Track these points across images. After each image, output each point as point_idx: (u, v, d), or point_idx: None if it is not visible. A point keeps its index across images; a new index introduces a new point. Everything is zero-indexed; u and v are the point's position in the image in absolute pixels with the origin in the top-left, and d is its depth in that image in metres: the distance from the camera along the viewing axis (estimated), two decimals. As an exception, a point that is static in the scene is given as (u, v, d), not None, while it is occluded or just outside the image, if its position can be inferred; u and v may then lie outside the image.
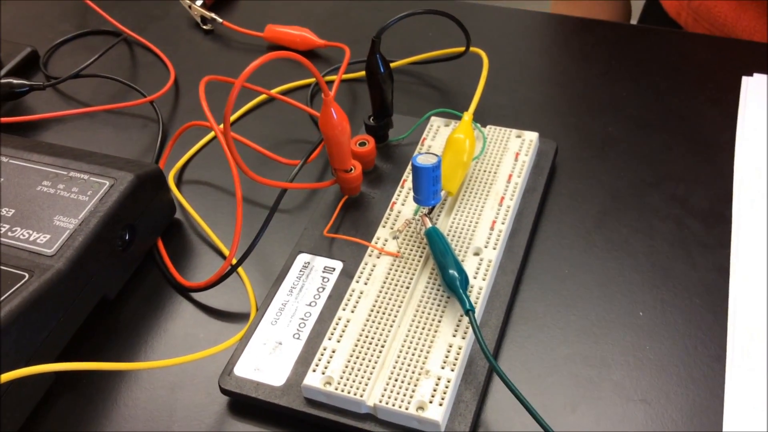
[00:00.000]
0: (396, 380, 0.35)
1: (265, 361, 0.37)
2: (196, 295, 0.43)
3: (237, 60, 0.59)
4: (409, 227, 0.41)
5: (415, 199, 0.40)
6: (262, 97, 0.54)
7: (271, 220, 0.43)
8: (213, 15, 0.60)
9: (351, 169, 0.43)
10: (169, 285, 0.43)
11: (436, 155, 0.39)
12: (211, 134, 0.52)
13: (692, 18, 0.67)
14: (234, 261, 0.41)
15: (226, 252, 0.44)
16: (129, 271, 0.43)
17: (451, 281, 0.37)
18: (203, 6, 0.61)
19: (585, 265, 0.42)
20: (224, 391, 0.36)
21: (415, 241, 0.41)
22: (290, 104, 0.53)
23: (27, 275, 0.36)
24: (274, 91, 0.53)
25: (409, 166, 0.45)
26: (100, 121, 0.55)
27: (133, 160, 0.43)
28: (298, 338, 0.38)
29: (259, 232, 0.42)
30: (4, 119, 0.52)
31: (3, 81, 0.54)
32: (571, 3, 0.77)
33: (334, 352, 0.36)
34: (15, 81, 0.54)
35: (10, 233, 0.38)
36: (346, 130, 0.41)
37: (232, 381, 0.36)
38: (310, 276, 0.41)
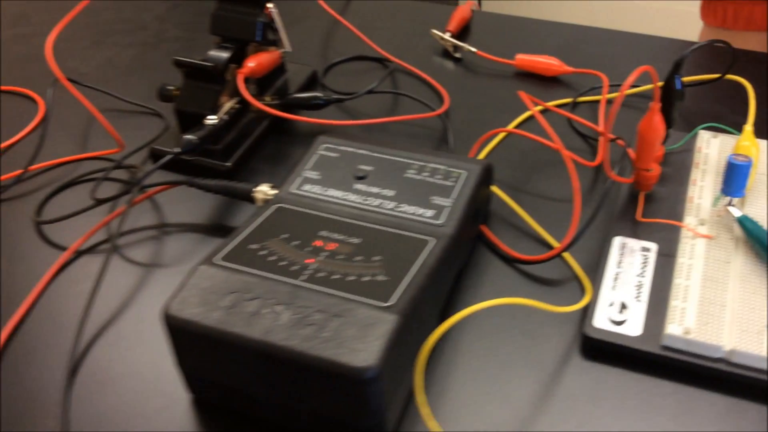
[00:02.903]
0: (744, 330, 0.42)
1: (617, 318, 0.44)
2: (524, 267, 0.50)
3: (487, 83, 0.68)
4: (719, 216, 0.49)
5: (724, 191, 0.47)
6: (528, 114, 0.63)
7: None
8: (467, 45, 0.69)
9: (651, 170, 0.51)
10: (497, 258, 0.51)
11: (747, 157, 0.47)
12: (500, 136, 0.60)
13: None
14: (554, 244, 0.48)
15: (545, 235, 0.52)
16: (473, 246, 0.51)
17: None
18: (453, 37, 0.70)
19: None
20: (588, 339, 0.44)
21: (722, 227, 0.48)
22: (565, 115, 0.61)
23: (430, 239, 0.44)
24: (537, 109, 0.62)
25: (694, 169, 0.53)
26: (391, 131, 0.63)
27: (466, 157, 0.52)
28: (639, 300, 0.45)
29: (589, 221, 0.49)
30: (339, 122, 0.60)
31: (309, 94, 0.63)
32: None
33: (683, 309, 0.43)
34: (319, 94, 0.63)
35: (398, 209, 0.47)
36: (660, 136, 0.49)
37: (596, 331, 0.44)
38: (629, 254, 0.48)
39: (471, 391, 0.42)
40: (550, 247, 0.51)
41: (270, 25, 0.62)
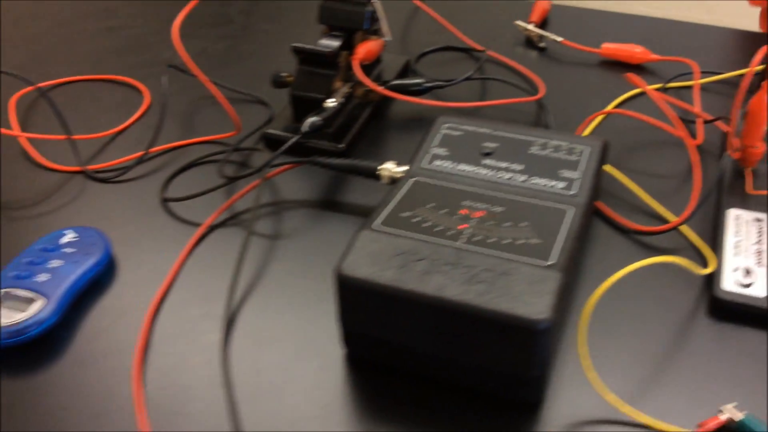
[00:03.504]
0: None
1: (744, 281, 0.47)
2: (641, 239, 0.52)
3: (574, 71, 0.71)
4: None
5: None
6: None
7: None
8: (552, 35, 0.72)
9: (757, 147, 0.54)
10: (613, 231, 0.53)
11: None
12: (598, 119, 0.63)
13: None
14: (669, 217, 0.51)
15: (659, 209, 0.54)
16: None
17: None
18: (536, 27, 0.73)
19: None
20: (718, 301, 0.46)
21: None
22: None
23: (568, 208, 0.46)
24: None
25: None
26: (486, 116, 0.66)
27: (581, 136, 0.54)
28: (761, 265, 0.48)
29: (708, 194, 0.51)
30: (450, 104, 0.63)
31: (414, 81, 0.65)
32: None
33: (810, 272, 0.46)
34: (422, 80, 0.65)
35: (530, 181, 0.49)
36: (769, 113, 0.52)
37: (726, 293, 0.46)
38: (744, 225, 0.51)
39: (607, 347, 0.45)
40: (662, 220, 0.54)
41: (373, 15, 0.64)
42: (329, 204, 0.57)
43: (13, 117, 0.66)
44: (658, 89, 0.67)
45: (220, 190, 0.58)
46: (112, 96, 0.70)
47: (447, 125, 0.54)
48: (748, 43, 0.75)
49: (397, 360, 0.44)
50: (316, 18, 0.63)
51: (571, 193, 0.48)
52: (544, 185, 0.49)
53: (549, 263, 0.41)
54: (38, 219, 0.56)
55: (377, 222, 0.44)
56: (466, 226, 0.44)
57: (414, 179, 0.49)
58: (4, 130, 0.62)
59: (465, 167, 0.50)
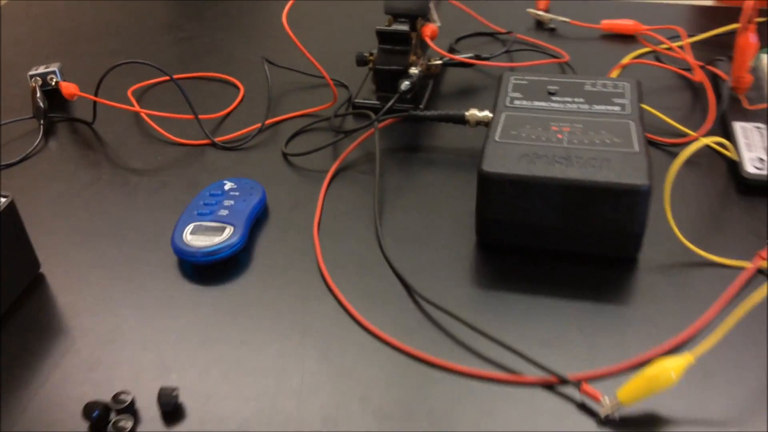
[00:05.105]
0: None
1: (759, 165, 0.62)
2: (669, 149, 0.67)
3: (582, 44, 0.86)
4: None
5: (808, 81, 0.66)
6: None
7: None
8: (562, 18, 0.87)
9: (745, 76, 0.69)
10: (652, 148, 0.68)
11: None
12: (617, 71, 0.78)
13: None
14: (690, 133, 0.66)
15: (681, 128, 0.69)
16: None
17: None
18: (546, 12, 0.88)
19: None
20: (744, 179, 0.61)
21: (808, 106, 0.67)
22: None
23: (629, 122, 0.61)
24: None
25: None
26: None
27: (618, 78, 0.69)
28: (768, 155, 0.63)
29: (720, 113, 0.66)
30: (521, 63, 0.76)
31: (471, 54, 0.79)
32: None
33: (805, 153, 0.61)
34: (468, 55, 0.79)
35: (593, 108, 0.63)
36: (754, 48, 0.68)
37: (749, 174, 0.61)
38: (748, 132, 0.66)
39: (676, 215, 0.59)
40: (683, 135, 0.69)
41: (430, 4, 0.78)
42: (426, 148, 0.70)
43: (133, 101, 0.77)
44: (650, 53, 0.83)
45: (329, 148, 0.70)
46: (210, 88, 0.81)
47: (514, 77, 0.68)
48: (709, 12, 0.92)
49: (524, 238, 0.56)
50: (383, 10, 0.76)
51: (627, 112, 0.62)
52: (605, 109, 0.63)
53: (636, 150, 0.55)
54: (188, 179, 0.67)
55: (496, 137, 0.58)
56: (561, 136, 0.58)
57: (505, 113, 0.63)
58: (137, 109, 0.72)
59: (539, 103, 0.64)
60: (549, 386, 0.47)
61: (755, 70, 0.74)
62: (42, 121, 0.74)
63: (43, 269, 0.58)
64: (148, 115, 0.75)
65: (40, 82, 0.77)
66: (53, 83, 0.77)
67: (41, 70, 0.77)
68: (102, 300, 0.55)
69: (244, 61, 0.86)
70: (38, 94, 0.75)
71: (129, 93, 0.79)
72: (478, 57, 0.79)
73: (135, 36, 0.94)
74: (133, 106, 0.77)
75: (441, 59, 0.79)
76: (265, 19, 0.97)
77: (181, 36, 0.93)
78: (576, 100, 0.64)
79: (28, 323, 0.53)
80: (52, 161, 0.70)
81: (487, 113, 0.67)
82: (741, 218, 0.59)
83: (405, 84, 0.69)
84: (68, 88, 0.75)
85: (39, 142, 0.72)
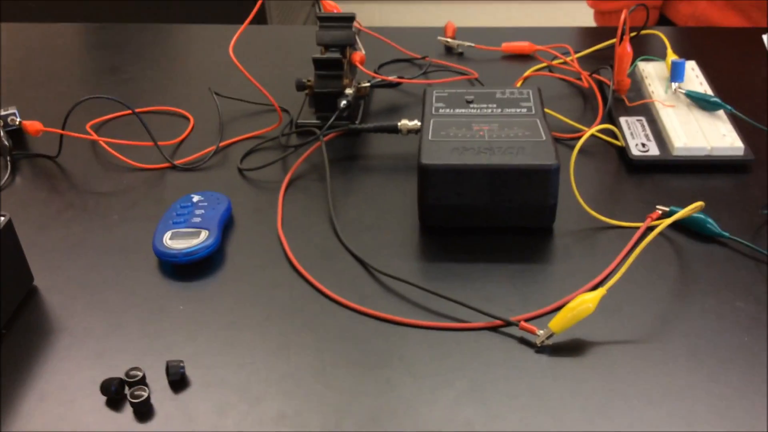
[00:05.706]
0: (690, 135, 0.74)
1: (642, 149, 0.75)
2: (571, 143, 0.79)
3: (487, 64, 0.98)
4: (673, 95, 0.81)
5: (672, 80, 0.80)
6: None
7: None
8: (468, 43, 1.00)
9: (624, 80, 0.83)
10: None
11: (681, 58, 0.80)
12: (520, 82, 0.90)
13: None
14: (584, 128, 0.78)
15: (575, 124, 0.81)
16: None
17: None
18: (453, 39, 1.01)
19: None
20: (632, 160, 0.74)
21: (675, 101, 0.81)
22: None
23: (535, 119, 0.72)
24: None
25: (644, 80, 0.85)
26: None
27: (522, 87, 0.81)
28: (649, 140, 0.76)
29: (608, 111, 0.79)
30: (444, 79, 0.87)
31: (395, 78, 0.89)
32: None
33: (678, 134, 0.75)
34: (396, 77, 0.90)
35: (505, 111, 0.75)
36: (630, 57, 0.81)
37: (636, 156, 0.74)
38: (631, 124, 0.79)
39: (579, 189, 0.71)
40: (579, 131, 0.81)
41: (356, 34, 0.88)
42: (366, 156, 0.79)
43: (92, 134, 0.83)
44: (545, 67, 0.96)
45: (278, 164, 0.78)
46: (161, 121, 0.89)
47: (436, 91, 0.79)
48: (591, 32, 1.07)
49: (460, 218, 0.67)
50: (316, 41, 0.86)
51: (533, 112, 0.74)
52: (515, 111, 0.74)
53: (544, 139, 0.66)
54: (156, 197, 0.74)
55: (429, 137, 0.68)
56: (482, 133, 0.69)
57: (433, 119, 0.73)
58: (101, 139, 0.79)
59: (460, 110, 0.75)
60: (494, 329, 0.57)
61: (632, 75, 0.88)
62: (9, 158, 0.80)
63: (36, 282, 0.64)
64: (110, 144, 0.82)
65: (1, 123, 0.82)
66: (16, 123, 0.82)
67: (1, 113, 0.83)
68: (96, 302, 0.61)
69: (188, 95, 0.94)
70: (2, 134, 0.81)
71: (87, 127, 0.86)
72: (397, 78, 0.90)
73: (80, 80, 1.00)
74: (95, 137, 0.84)
75: (369, 81, 0.89)
76: (202, 55, 1.05)
77: (125, 77, 1.00)
78: (490, 105, 0.76)
79: (29, 327, 0.59)
80: (24, 191, 0.76)
81: (416, 122, 0.78)
82: (632, 190, 0.72)
83: (343, 102, 0.79)
84: (33, 126, 0.81)
85: (7, 177, 0.78)
